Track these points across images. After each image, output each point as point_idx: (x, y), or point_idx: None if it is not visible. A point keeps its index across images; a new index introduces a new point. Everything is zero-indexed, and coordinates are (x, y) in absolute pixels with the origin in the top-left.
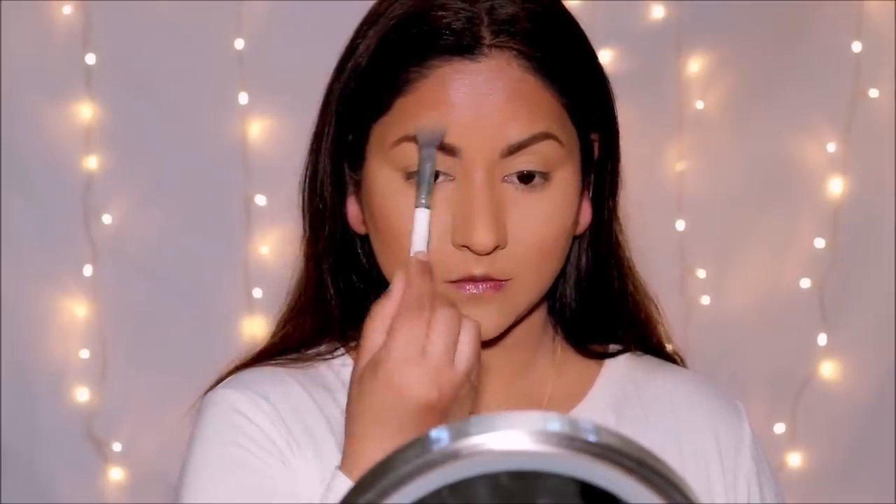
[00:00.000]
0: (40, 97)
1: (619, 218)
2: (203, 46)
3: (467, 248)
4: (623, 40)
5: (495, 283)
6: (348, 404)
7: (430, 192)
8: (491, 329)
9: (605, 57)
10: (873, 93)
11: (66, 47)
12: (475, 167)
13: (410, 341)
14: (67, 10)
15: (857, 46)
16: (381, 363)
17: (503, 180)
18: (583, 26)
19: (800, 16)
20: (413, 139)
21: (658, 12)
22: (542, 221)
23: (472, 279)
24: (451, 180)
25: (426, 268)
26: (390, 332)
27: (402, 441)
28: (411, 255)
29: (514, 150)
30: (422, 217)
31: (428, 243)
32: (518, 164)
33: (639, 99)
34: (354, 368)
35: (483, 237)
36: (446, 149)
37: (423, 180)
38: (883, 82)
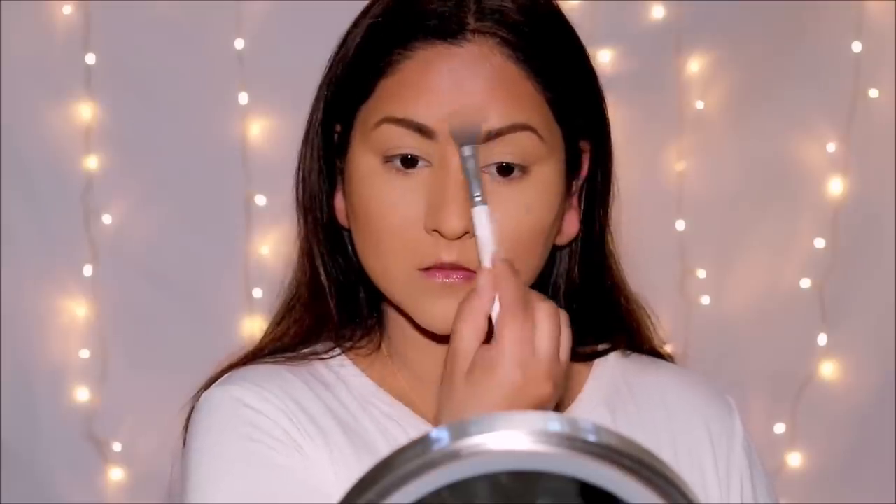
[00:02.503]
0: (40, 97)
1: (610, 229)
2: (203, 46)
3: (438, 232)
4: (623, 40)
5: (465, 273)
6: (446, 406)
7: (481, 188)
8: None
9: (605, 57)
10: (873, 93)
11: (66, 47)
12: (451, 152)
13: (523, 342)
14: (67, 10)
15: (857, 46)
16: (496, 365)
17: (481, 170)
18: (583, 26)
19: (800, 16)
20: (393, 120)
21: (658, 12)
22: (516, 214)
23: (442, 267)
24: (428, 165)
25: (512, 266)
26: (500, 335)
27: None
28: (487, 255)
29: (492, 137)
30: (481, 214)
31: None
32: (496, 154)
33: (639, 99)
34: (453, 366)
35: (453, 221)
36: (424, 131)
37: (470, 177)
38: (883, 82)
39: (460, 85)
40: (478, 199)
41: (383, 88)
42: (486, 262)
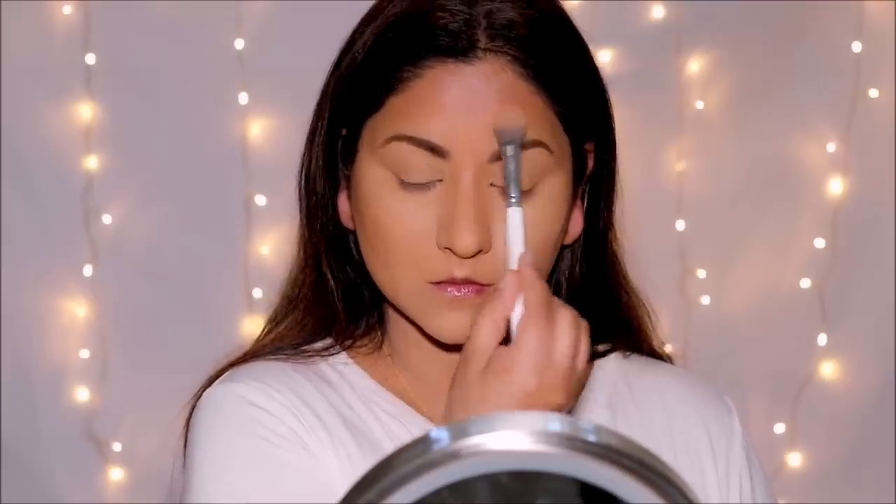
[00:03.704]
0: (40, 97)
1: (614, 228)
2: (203, 46)
3: (450, 250)
4: (623, 40)
5: (477, 287)
6: (457, 404)
7: (518, 190)
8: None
9: (605, 57)
10: (873, 93)
11: (66, 47)
12: (463, 170)
13: (541, 349)
14: (67, 10)
15: (857, 46)
16: (512, 368)
17: (491, 185)
18: (583, 26)
19: (800, 16)
20: (405, 138)
21: (658, 12)
22: (527, 229)
23: (454, 282)
24: (439, 182)
25: (536, 270)
26: (520, 339)
27: None
28: (514, 256)
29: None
30: (515, 215)
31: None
32: None
33: (639, 99)
34: (468, 365)
35: (466, 239)
36: (436, 150)
37: (510, 177)
38: (883, 82)
39: (472, 103)
40: (514, 200)
41: (393, 104)
42: (513, 264)
